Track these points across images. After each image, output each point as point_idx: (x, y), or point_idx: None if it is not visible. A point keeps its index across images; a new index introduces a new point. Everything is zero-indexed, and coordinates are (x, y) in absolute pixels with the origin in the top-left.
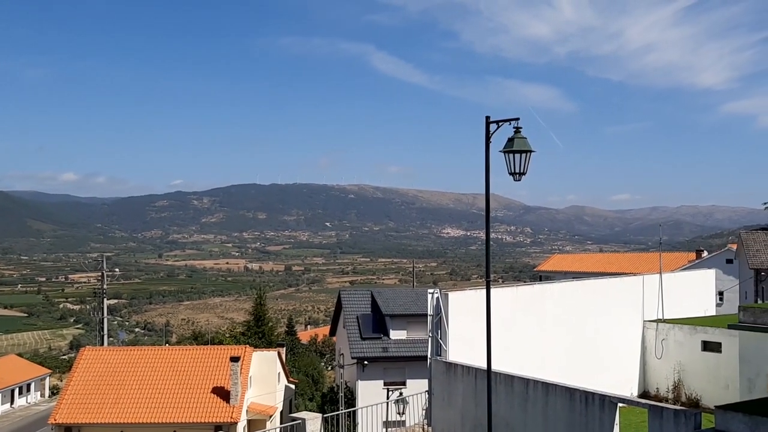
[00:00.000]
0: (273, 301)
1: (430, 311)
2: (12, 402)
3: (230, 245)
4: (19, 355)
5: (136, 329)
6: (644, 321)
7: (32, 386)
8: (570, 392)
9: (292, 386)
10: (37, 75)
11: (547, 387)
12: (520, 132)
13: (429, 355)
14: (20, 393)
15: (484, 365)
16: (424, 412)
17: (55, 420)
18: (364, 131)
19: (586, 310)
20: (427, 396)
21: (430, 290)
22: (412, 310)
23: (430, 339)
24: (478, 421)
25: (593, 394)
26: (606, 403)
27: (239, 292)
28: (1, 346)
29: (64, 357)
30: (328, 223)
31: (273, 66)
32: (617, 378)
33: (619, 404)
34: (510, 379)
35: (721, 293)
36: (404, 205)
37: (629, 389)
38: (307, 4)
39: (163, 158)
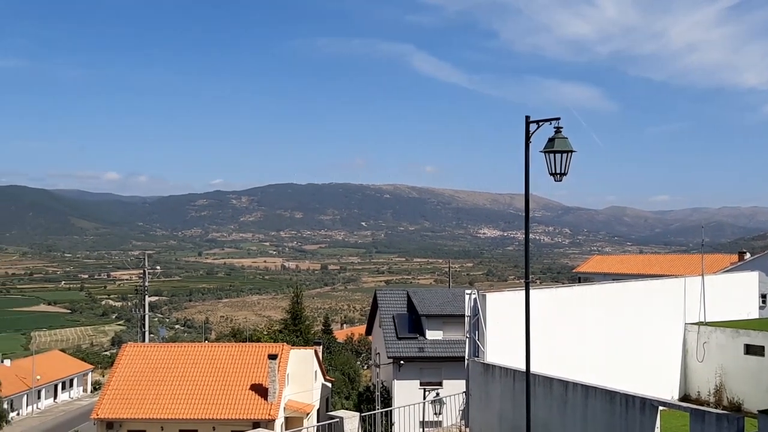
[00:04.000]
0: (309, 300)
1: (467, 312)
2: (55, 397)
3: (267, 244)
4: (62, 350)
5: (176, 326)
6: (686, 324)
7: (75, 381)
8: (610, 395)
9: (329, 384)
10: (78, 76)
11: (587, 389)
12: (560, 132)
13: (466, 356)
14: (63, 388)
15: (523, 367)
16: (460, 413)
17: (97, 415)
18: (400, 131)
19: (626, 312)
20: (464, 397)
21: (468, 291)
22: (449, 311)
23: (467, 340)
24: (516, 424)
25: (634, 397)
26: (647, 406)
27: (276, 290)
28: (45, 342)
29: (105, 353)
30: (363, 223)
31: (311, 67)
32: (658, 381)
33: (660, 407)
34: (549, 381)
35: (764, 296)
36: (440, 205)
37: (670, 392)
38: (346, 5)
39: (203, 158)
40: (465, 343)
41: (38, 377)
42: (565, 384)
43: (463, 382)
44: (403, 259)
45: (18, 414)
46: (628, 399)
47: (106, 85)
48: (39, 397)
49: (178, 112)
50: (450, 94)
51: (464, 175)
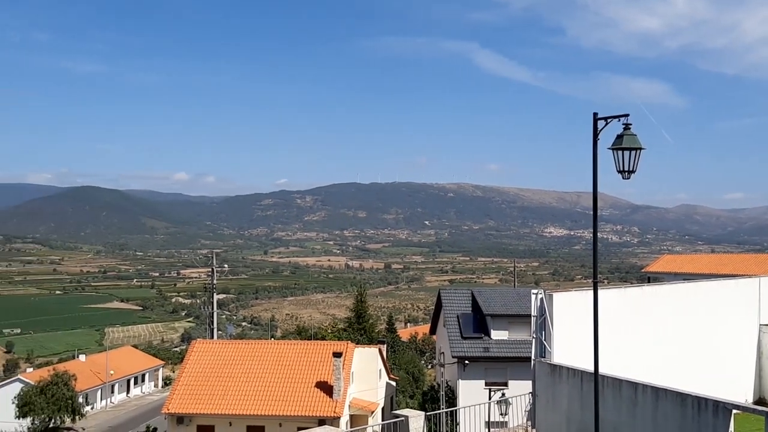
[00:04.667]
0: (373, 299)
1: (533, 312)
2: (128, 391)
3: (331, 243)
4: (135, 346)
5: (243, 323)
6: (760, 325)
7: (146, 377)
8: (681, 397)
9: (393, 383)
10: (150, 80)
11: (657, 392)
12: (629, 128)
13: (533, 357)
14: (135, 383)
15: (591, 368)
16: (527, 413)
17: (168, 410)
18: (464, 129)
19: (697, 313)
20: (530, 397)
21: (534, 291)
22: (514, 311)
23: (533, 340)
24: (584, 425)
25: (706, 399)
26: (720, 409)
27: (340, 288)
28: (118, 338)
29: (176, 349)
30: (427, 222)
31: (375, 66)
32: (730, 383)
33: (734, 411)
34: (618, 382)
35: None
36: (505, 204)
37: (743, 395)
38: (410, 4)
39: (269, 158)
40: (531, 344)
41: (112, 372)
42: (634, 386)
43: (529, 382)
44: (467, 258)
45: (92, 408)
46: (700, 402)
47: (177, 89)
48: (112, 392)
49: (245, 114)
50: (515, 92)
51: (530, 173)
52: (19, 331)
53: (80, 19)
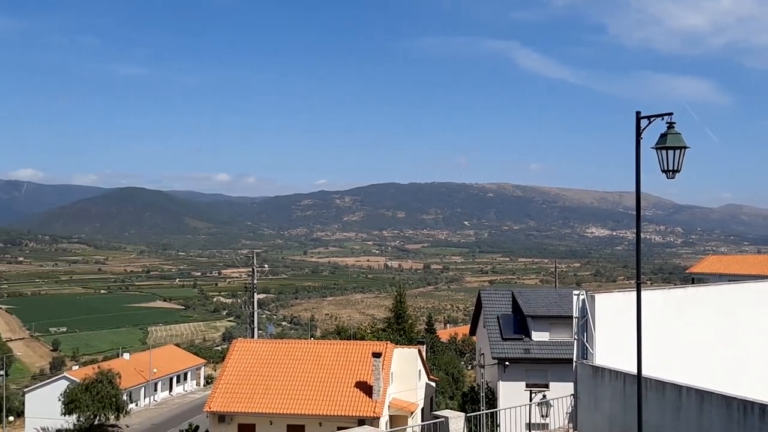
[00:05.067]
0: (412, 299)
1: (575, 313)
2: (171, 389)
3: (371, 243)
4: (177, 345)
5: (283, 323)
6: None
7: (189, 375)
8: (727, 401)
9: (433, 384)
10: (192, 82)
11: (702, 395)
12: (673, 127)
13: (574, 358)
14: (178, 381)
15: (634, 370)
16: (568, 415)
17: (209, 408)
18: (505, 129)
19: (744, 315)
20: (571, 399)
21: (575, 291)
22: (555, 312)
23: (575, 342)
24: (626, 428)
25: (753, 403)
26: (767, 412)
27: (379, 289)
28: (160, 337)
29: (217, 348)
30: (466, 222)
31: (414, 66)
32: None
33: None
34: (661, 385)
35: None
36: (545, 204)
37: None
38: (450, 3)
39: (309, 159)
40: (573, 345)
41: (155, 370)
42: (678, 388)
43: (571, 384)
44: (508, 258)
45: (136, 405)
46: (746, 405)
47: (217, 90)
48: (155, 390)
49: (285, 115)
50: (556, 91)
51: (571, 172)
52: (65, 329)
53: (124, 23)
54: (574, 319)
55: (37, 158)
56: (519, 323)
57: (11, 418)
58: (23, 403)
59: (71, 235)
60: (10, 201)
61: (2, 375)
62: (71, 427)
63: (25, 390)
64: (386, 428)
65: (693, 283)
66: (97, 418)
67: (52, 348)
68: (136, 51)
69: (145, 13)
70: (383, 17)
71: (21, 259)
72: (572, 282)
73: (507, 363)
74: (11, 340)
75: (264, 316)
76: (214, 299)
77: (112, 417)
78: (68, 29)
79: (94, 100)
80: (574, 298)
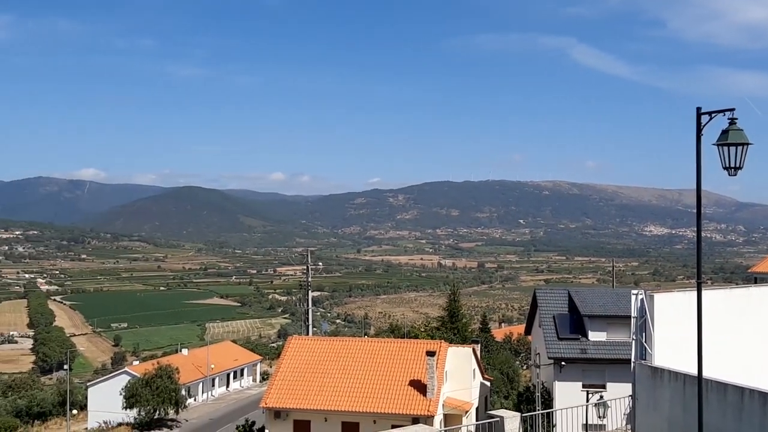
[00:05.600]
0: (466, 298)
1: (633, 313)
2: (227, 385)
3: (424, 241)
4: (234, 341)
5: (337, 320)
6: None
7: (245, 371)
8: None
9: (488, 383)
10: (247, 82)
11: (765, 397)
12: (735, 123)
13: (633, 359)
14: (235, 377)
15: (694, 371)
16: (626, 417)
17: (266, 404)
18: (560, 126)
19: None
20: (629, 400)
21: (634, 291)
22: (613, 311)
23: (633, 342)
24: (686, 430)
25: None
26: None
27: (433, 287)
28: (218, 333)
29: (272, 345)
30: (521, 221)
31: (468, 63)
32: None
33: None
34: (723, 387)
35: None
36: (602, 202)
37: None
38: (504, 0)
39: (362, 157)
40: (631, 346)
41: (212, 366)
42: (741, 390)
43: (629, 385)
44: (564, 257)
45: (194, 400)
46: None
47: (272, 90)
48: (213, 385)
49: (339, 114)
50: (613, 87)
51: (628, 170)
52: (126, 325)
53: (181, 25)
54: (632, 319)
55: (99, 158)
56: (575, 323)
57: (75, 412)
58: (86, 397)
59: (132, 233)
60: (74, 200)
61: (66, 369)
62: (132, 420)
63: (87, 384)
64: (440, 427)
65: (755, 282)
66: (157, 412)
67: (113, 343)
68: (193, 52)
69: (200, 14)
70: (436, 15)
71: (84, 256)
72: (630, 281)
73: (563, 363)
74: (74, 335)
75: (318, 313)
76: (270, 296)
77: (171, 411)
78: (127, 32)
79: (153, 101)
80: (633, 297)
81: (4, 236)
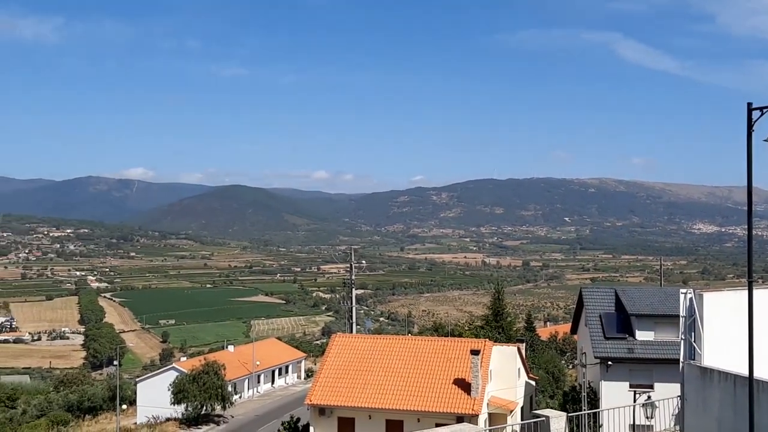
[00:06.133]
0: (511, 296)
1: (682, 312)
2: (273, 382)
3: (468, 240)
4: (279, 338)
5: (381, 318)
6: None
7: (290, 368)
8: None
9: (533, 383)
10: (291, 81)
11: None
12: None
13: (681, 359)
14: (280, 374)
15: (745, 371)
16: (674, 417)
17: (310, 401)
18: (606, 122)
19: None
20: (678, 401)
21: (682, 290)
22: (661, 311)
23: (682, 342)
24: (736, 431)
25: None
26: None
27: (477, 286)
28: (263, 330)
29: (317, 342)
30: (567, 218)
31: (512, 60)
32: None
33: None
34: None
35: None
36: (650, 199)
37: None
38: None
39: (405, 156)
40: (679, 345)
41: (258, 363)
42: None
43: (677, 385)
44: (610, 256)
45: (240, 396)
46: None
47: (315, 88)
48: (258, 382)
49: (382, 112)
50: (660, 82)
51: (676, 166)
52: (173, 322)
53: (226, 25)
54: (681, 319)
55: (147, 158)
56: (622, 322)
57: (124, 407)
58: (135, 393)
59: (179, 231)
60: (122, 199)
61: (116, 365)
62: (179, 416)
63: (136, 380)
64: (485, 426)
65: None
66: (204, 408)
67: (161, 340)
68: (237, 52)
69: (244, 14)
70: (479, 11)
71: (132, 254)
72: (678, 280)
73: (610, 363)
74: (124, 331)
75: (362, 311)
76: (314, 294)
77: (218, 407)
78: (173, 33)
79: (199, 101)
80: (681, 296)
81: (56, 234)
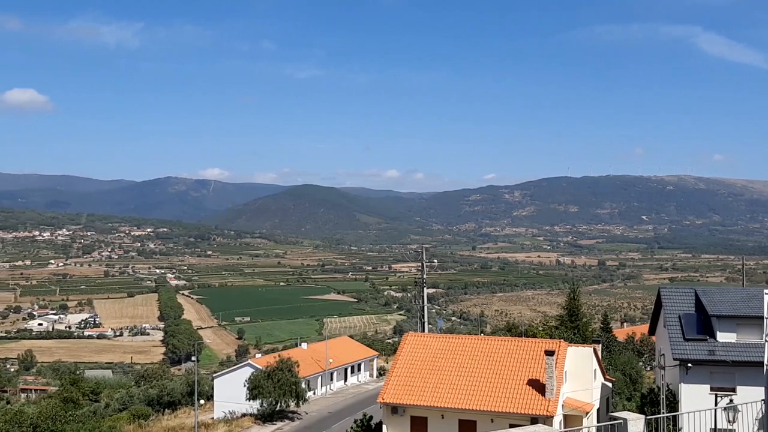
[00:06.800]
0: (586, 296)
1: (766, 313)
2: (345, 379)
3: (541, 238)
4: (351, 337)
5: (453, 318)
6: None
7: (362, 366)
8: None
9: (609, 384)
10: (363, 81)
11: None
12: None
13: (766, 362)
14: (352, 372)
15: None
16: (757, 422)
17: (383, 399)
18: (685, 118)
19: None
20: (762, 405)
21: (766, 290)
22: (744, 312)
23: (766, 344)
24: None
25: None
26: None
27: (551, 285)
28: (335, 328)
29: (388, 341)
30: (644, 217)
31: (588, 55)
32: None
33: None
34: None
35: None
36: (731, 197)
37: None
38: None
39: (477, 154)
40: (764, 348)
41: (330, 360)
42: None
43: (761, 389)
44: (689, 255)
45: (314, 393)
46: None
47: (387, 88)
48: (331, 379)
49: (453, 110)
50: (743, 76)
51: (759, 163)
52: (248, 319)
53: (300, 27)
54: (765, 320)
55: (223, 158)
56: (703, 323)
57: (202, 402)
58: (212, 388)
59: (253, 230)
60: (200, 199)
61: (194, 361)
62: (255, 411)
63: (213, 375)
64: (560, 428)
65: None
66: (279, 404)
67: (237, 336)
68: (311, 53)
69: (318, 16)
70: (554, 6)
71: (209, 252)
72: (761, 280)
73: (689, 365)
74: (201, 328)
75: (434, 310)
76: (385, 293)
77: (293, 404)
78: (249, 36)
79: (273, 103)
80: (765, 297)
81: (137, 233)
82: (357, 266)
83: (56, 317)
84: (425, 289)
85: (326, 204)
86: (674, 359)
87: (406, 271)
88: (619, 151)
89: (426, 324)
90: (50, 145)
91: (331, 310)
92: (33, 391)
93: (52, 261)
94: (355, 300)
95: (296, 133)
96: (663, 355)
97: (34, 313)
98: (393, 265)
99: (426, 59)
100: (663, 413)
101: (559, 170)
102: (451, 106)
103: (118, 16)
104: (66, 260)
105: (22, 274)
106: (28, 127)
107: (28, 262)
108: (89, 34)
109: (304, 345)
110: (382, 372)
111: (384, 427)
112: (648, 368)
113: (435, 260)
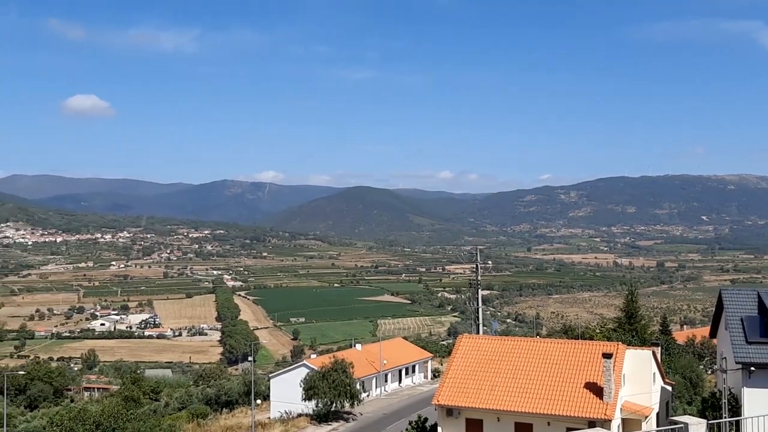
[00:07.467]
0: (645, 298)
1: None
2: (400, 381)
3: (598, 240)
4: (405, 338)
5: (508, 320)
6: None
7: (417, 368)
8: None
9: (669, 388)
10: (416, 82)
11: None
12: None
13: None
14: (406, 373)
15: None
16: None
17: (438, 401)
18: (748, 116)
19: None
20: None
21: None
22: None
23: None
24: None
25: None
26: None
27: (608, 287)
28: (389, 330)
29: (443, 342)
30: (704, 217)
31: (645, 52)
32: None
33: None
34: None
35: None
36: None
37: None
38: None
39: (531, 154)
40: None
41: (385, 362)
42: None
43: None
44: (752, 256)
45: (368, 395)
46: None
47: (440, 89)
48: (386, 381)
49: (506, 111)
50: None
51: None
52: (303, 320)
53: (353, 29)
54: None
55: (278, 161)
56: (766, 326)
57: (258, 401)
58: (268, 388)
59: (307, 232)
60: (255, 201)
61: (251, 361)
62: (310, 411)
63: (269, 375)
64: None
65: None
66: (334, 404)
67: (292, 337)
68: (364, 55)
69: (370, 18)
70: (607, 4)
71: (265, 254)
72: None
73: (752, 368)
74: (257, 328)
75: (488, 312)
76: (439, 294)
77: (347, 404)
78: (303, 39)
79: (327, 105)
80: None
81: (195, 235)
82: (410, 267)
83: (118, 318)
84: (479, 290)
85: (379, 206)
86: (736, 362)
87: (460, 273)
88: (679, 150)
89: (480, 326)
90: (111, 150)
91: (384, 311)
92: (96, 390)
93: (114, 263)
94: (409, 301)
95: (350, 134)
96: (725, 358)
97: (97, 313)
98: (446, 267)
99: (479, 58)
100: (725, 418)
101: (616, 170)
102: (505, 105)
103: (175, 23)
104: (127, 262)
105: (84, 275)
106: (90, 133)
107: (90, 264)
108: (148, 41)
109: (358, 346)
110: (436, 374)
111: (439, 429)
112: (709, 372)
113: (489, 262)
